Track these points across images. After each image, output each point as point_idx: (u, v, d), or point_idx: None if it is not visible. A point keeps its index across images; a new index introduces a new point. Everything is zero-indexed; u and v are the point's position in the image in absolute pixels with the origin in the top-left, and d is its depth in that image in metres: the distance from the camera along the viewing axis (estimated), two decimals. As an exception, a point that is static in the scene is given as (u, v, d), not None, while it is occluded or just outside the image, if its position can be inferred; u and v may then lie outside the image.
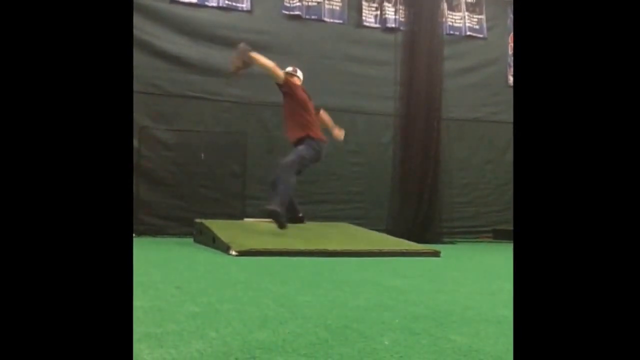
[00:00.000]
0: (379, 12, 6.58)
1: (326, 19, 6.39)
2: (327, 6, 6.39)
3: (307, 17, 6.30)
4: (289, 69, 4.88)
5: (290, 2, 6.26)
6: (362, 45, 6.50)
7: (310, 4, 6.31)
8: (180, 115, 5.90)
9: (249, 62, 4.53)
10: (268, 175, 5.94)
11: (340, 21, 6.44)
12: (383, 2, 6.57)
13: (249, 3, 6.10)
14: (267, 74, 4.66)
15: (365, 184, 6.45)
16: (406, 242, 4.64)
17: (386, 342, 1.43)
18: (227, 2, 6.03)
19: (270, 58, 5.95)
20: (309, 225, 4.94)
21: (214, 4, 5.99)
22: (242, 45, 4.57)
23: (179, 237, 5.44)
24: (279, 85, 4.69)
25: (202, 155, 5.86)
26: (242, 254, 3.66)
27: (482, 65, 6.95)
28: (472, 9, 6.93)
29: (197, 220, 4.96)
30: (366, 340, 1.44)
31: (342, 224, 5.39)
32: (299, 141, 4.65)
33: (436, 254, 4.20)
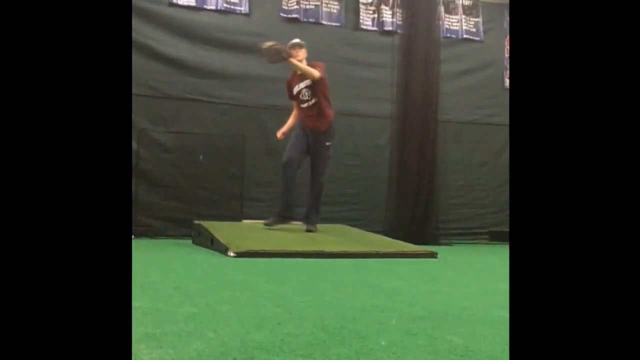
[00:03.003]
0: (376, 15, 6.60)
1: (324, 22, 6.40)
2: (324, 9, 6.40)
3: (304, 20, 6.31)
4: (295, 41, 4.71)
5: (288, 5, 6.27)
6: (359, 48, 6.51)
7: (307, 6, 6.32)
8: (178, 117, 5.91)
9: (284, 58, 4.49)
10: (266, 177, 5.98)
11: (338, 24, 6.46)
12: (380, 5, 6.58)
13: (247, 6, 6.11)
14: (302, 73, 4.63)
15: (362, 185, 6.45)
16: (403, 243, 4.64)
17: (383, 343, 1.44)
18: (225, 5, 6.04)
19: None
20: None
21: (212, 7, 6.00)
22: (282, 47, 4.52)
23: (178, 238, 5.44)
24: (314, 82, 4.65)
25: (201, 157, 5.86)
26: (240, 255, 3.67)
27: (479, 68, 6.96)
28: (468, 12, 6.95)
29: (196, 221, 4.97)
30: (363, 341, 1.45)
31: (340, 225, 5.40)
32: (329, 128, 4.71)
33: (433, 255, 4.21)
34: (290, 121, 4.92)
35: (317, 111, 4.66)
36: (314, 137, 4.67)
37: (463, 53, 6.90)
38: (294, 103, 4.87)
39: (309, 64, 4.66)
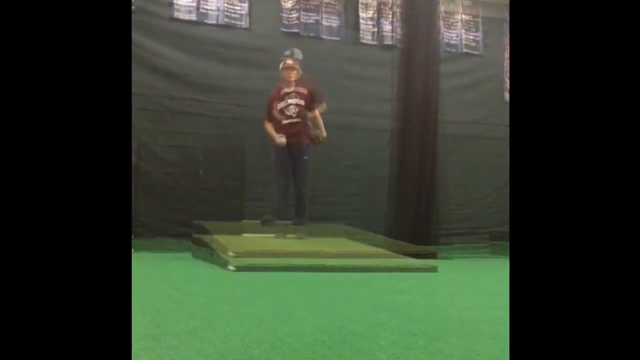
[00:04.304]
0: (376, 30, 6.65)
1: (324, 37, 6.46)
2: (324, 23, 6.46)
3: (305, 34, 6.36)
4: (287, 53, 5.11)
5: (289, 19, 6.33)
6: (359, 62, 6.55)
7: (308, 21, 6.38)
8: (179, 131, 5.93)
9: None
10: (265, 192, 5.97)
11: (338, 38, 6.51)
12: (380, 19, 6.65)
13: (247, 21, 6.16)
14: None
15: (363, 185, 6.44)
16: (403, 244, 4.66)
17: (383, 343, 1.43)
18: (226, 19, 6.09)
19: (268, 75, 6.03)
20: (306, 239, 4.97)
21: (213, 22, 6.06)
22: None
23: (178, 239, 5.41)
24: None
25: (201, 171, 5.88)
26: (240, 255, 3.65)
27: (478, 82, 7.00)
28: (468, 26, 7.01)
29: (196, 221, 4.97)
30: (363, 341, 1.45)
31: (341, 239, 5.40)
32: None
33: (433, 255, 4.23)
34: (274, 133, 5.04)
35: (299, 129, 4.89)
36: (296, 150, 4.88)
37: (463, 67, 6.94)
38: (275, 118, 5.03)
39: (303, 78, 5.04)
